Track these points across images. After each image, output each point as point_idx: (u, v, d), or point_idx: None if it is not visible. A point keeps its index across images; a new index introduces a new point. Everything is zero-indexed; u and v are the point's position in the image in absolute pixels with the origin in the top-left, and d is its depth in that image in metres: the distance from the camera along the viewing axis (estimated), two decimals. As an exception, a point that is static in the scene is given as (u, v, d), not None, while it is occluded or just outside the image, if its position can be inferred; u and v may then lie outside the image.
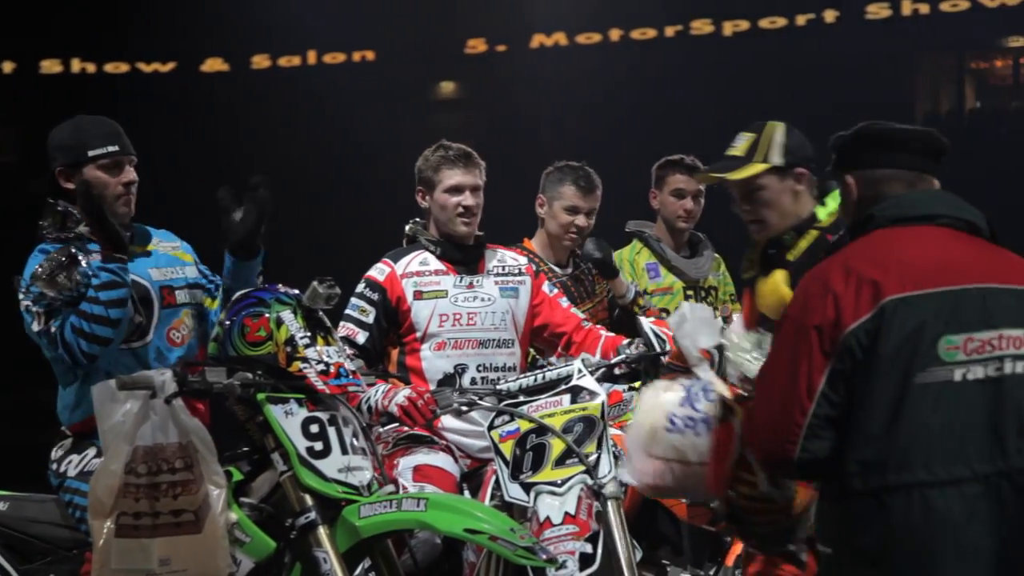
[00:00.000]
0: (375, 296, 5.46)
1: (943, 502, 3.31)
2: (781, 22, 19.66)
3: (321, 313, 4.76)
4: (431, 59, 20.62)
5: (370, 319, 5.44)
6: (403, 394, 5.18)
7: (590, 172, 6.26)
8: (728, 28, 19.98)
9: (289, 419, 4.56)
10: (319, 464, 4.53)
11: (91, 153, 4.86)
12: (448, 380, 5.38)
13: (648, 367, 5.14)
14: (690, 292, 6.59)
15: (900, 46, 19.28)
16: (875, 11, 19.56)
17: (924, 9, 19.36)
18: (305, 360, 4.60)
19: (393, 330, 5.48)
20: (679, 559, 5.42)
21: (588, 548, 4.72)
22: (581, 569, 4.69)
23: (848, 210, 3.70)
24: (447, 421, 5.32)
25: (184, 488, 4.41)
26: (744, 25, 19.90)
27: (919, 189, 3.60)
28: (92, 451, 4.80)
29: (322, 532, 4.48)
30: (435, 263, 5.50)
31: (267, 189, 4.86)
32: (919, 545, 3.31)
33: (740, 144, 4.46)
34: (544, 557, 4.37)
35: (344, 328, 5.41)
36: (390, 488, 4.67)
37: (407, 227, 5.64)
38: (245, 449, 4.72)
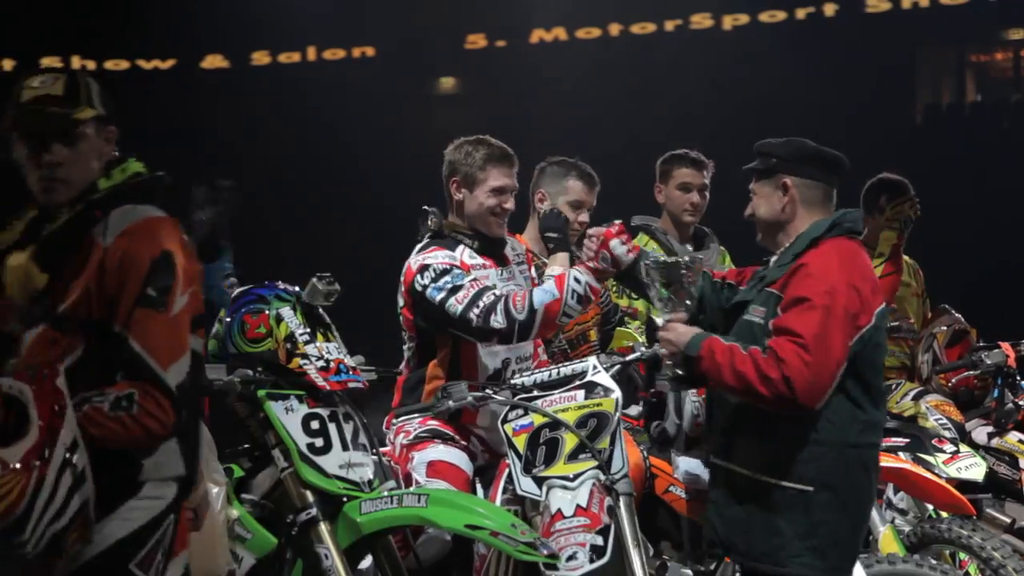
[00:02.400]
0: (460, 269, 5.21)
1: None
2: (781, 16, 19.67)
3: (321, 309, 4.75)
4: (431, 55, 20.63)
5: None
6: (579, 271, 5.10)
7: (589, 168, 6.22)
8: (728, 22, 19.99)
9: (289, 415, 4.56)
10: (320, 460, 4.53)
11: None
12: (496, 375, 5.29)
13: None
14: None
15: (901, 39, 19.28)
16: (875, 4, 19.57)
17: (924, 2, 19.37)
18: (305, 356, 4.60)
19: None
20: (679, 554, 5.41)
21: (599, 540, 4.69)
22: (592, 561, 4.67)
23: (780, 208, 4.34)
24: (480, 419, 5.25)
25: (184, 485, 4.40)
26: (744, 19, 19.90)
27: (831, 204, 4.38)
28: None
29: (323, 528, 4.48)
30: (478, 257, 5.37)
31: (233, 195, 4.76)
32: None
33: (45, 78, 3.67)
34: (546, 552, 4.35)
35: (474, 284, 5.15)
36: (391, 484, 4.67)
37: (430, 220, 5.43)
38: (246, 446, 4.72)
